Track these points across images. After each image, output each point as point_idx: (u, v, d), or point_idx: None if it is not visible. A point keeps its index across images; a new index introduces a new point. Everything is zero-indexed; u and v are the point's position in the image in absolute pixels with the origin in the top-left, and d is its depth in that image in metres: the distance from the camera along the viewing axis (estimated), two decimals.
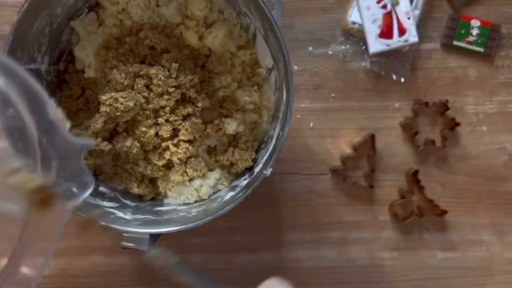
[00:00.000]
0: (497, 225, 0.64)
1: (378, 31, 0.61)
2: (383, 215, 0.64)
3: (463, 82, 0.64)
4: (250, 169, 0.55)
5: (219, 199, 0.54)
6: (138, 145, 0.53)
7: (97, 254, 0.63)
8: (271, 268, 0.63)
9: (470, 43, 0.63)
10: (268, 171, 0.47)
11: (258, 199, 0.63)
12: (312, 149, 0.63)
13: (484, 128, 0.64)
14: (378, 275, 0.64)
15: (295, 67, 0.63)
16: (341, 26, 0.63)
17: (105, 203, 0.52)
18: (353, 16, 0.61)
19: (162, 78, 0.51)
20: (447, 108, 0.62)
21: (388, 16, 0.61)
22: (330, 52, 0.64)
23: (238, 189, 0.52)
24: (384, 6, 0.61)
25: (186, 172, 0.55)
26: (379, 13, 0.61)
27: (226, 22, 0.56)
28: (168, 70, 0.52)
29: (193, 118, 0.53)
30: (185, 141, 0.54)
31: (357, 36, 0.63)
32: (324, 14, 0.64)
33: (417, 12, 0.62)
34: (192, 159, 0.55)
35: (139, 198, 0.56)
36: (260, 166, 0.52)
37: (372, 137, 0.62)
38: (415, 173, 0.63)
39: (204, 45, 0.55)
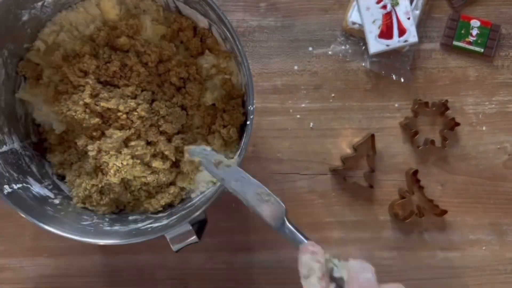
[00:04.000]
0: (497, 225, 0.64)
1: (378, 31, 0.61)
2: (383, 215, 0.64)
3: (463, 82, 0.64)
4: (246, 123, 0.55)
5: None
6: (138, 161, 0.53)
7: (97, 254, 0.63)
8: (271, 268, 0.64)
9: (469, 43, 0.63)
10: (251, 107, 0.47)
11: None
12: (312, 149, 0.64)
13: (484, 128, 0.64)
14: (377, 274, 0.64)
15: (295, 67, 0.63)
16: (341, 26, 0.63)
17: (139, 225, 0.53)
18: (353, 16, 0.62)
19: (124, 104, 0.53)
20: (447, 108, 0.62)
21: (388, 16, 0.61)
22: (330, 52, 0.64)
23: (244, 139, 0.52)
24: (384, 7, 0.61)
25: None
26: (379, 13, 0.61)
27: (147, 13, 0.56)
28: (127, 78, 0.54)
29: (171, 109, 0.54)
30: (176, 134, 0.55)
31: (357, 36, 0.63)
32: (324, 14, 0.64)
33: (417, 12, 0.62)
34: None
35: (169, 206, 0.57)
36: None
37: (372, 137, 0.62)
38: (415, 173, 0.63)
39: (141, 42, 0.55)
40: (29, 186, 0.52)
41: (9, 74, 0.53)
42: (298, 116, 0.64)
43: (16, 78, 0.55)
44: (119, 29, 0.54)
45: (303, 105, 0.63)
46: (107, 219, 0.54)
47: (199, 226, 0.51)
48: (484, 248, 0.64)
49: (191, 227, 0.48)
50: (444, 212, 0.62)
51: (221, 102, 0.56)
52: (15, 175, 0.51)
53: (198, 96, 0.55)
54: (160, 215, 0.55)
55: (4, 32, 0.50)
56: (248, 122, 0.47)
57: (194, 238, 0.49)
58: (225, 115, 0.55)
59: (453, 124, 0.62)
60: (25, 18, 0.51)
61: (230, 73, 0.56)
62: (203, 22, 0.55)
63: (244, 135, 0.49)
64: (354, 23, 0.62)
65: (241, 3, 0.63)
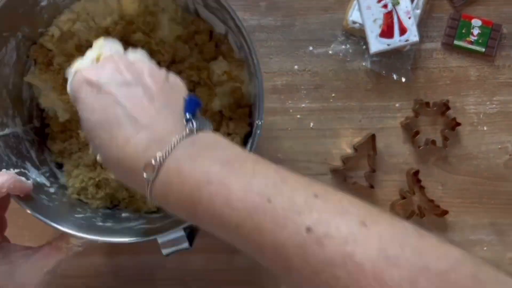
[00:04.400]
0: (498, 225, 0.64)
1: (378, 30, 0.61)
2: None
3: (464, 82, 0.64)
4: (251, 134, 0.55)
5: None
6: None
7: (97, 254, 0.63)
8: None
9: (471, 42, 0.63)
10: (259, 122, 0.46)
11: None
12: (312, 149, 0.63)
13: (485, 128, 0.64)
14: None
15: (295, 67, 0.63)
16: (341, 25, 0.63)
17: (132, 224, 0.52)
18: (353, 15, 0.61)
19: None
20: (448, 108, 0.62)
21: (388, 16, 0.61)
22: (330, 52, 0.63)
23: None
24: (385, 6, 0.61)
25: None
26: (379, 12, 0.61)
27: (165, 11, 0.56)
28: None
29: None
30: None
31: (357, 36, 0.63)
32: (324, 13, 0.63)
33: (418, 11, 0.62)
34: None
35: None
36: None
37: (373, 137, 0.62)
38: (416, 173, 0.62)
39: (156, 40, 0.55)
40: (26, 171, 0.52)
41: (20, 56, 0.53)
42: (298, 116, 0.63)
43: (26, 61, 0.54)
44: (136, 24, 0.54)
45: (303, 105, 0.63)
46: (100, 214, 0.54)
47: (190, 232, 0.50)
48: (485, 248, 0.64)
49: (183, 233, 0.48)
50: (445, 212, 0.62)
51: (228, 110, 0.55)
52: (14, 159, 0.51)
53: (206, 101, 0.55)
54: (154, 215, 0.55)
55: (21, 15, 0.50)
56: (253, 136, 0.47)
57: (185, 244, 0.47)
58: (231, 123, 0.55)
59: (454, 124, 0.62)
60: (43, 3, 0.51)
61: (241, 82, 0.56)
62: (220, 28, 0.55)
63: (248, 146, 0.49)
64: (354, 23, 0.61)
65: (241, 2, 0.63)
